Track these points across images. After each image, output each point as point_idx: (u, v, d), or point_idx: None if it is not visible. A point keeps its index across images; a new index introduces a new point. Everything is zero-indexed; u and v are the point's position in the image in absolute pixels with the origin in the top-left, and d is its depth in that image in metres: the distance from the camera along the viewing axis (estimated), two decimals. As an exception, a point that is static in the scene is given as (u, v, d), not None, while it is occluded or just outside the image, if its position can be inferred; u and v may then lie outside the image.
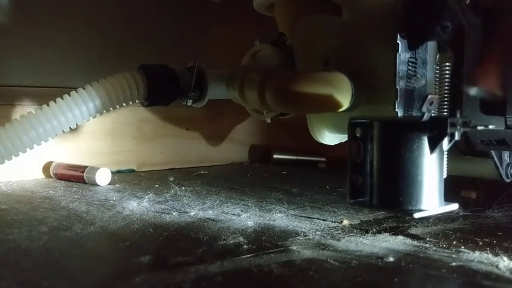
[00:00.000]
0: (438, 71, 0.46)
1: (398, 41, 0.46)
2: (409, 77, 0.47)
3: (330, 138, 0.60)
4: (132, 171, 0.82)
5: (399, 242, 0.44)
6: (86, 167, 0.70)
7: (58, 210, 0.55)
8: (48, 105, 0.59)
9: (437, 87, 0.46)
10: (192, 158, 0.89)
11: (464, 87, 0.45)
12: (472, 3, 0.44)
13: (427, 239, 0.45)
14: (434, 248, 0.43)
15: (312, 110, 0.56)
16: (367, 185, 0.43)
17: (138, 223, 0.49)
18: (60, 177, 0.73)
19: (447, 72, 0.45)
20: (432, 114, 0.40)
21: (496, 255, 0.41)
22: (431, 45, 0.46)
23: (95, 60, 0.78)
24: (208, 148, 0.91)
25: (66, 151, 0.76)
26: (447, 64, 0.45)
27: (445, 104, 0.45)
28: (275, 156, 0.94)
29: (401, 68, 0.46)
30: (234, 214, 0.54)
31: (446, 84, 0.45)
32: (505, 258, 0.40)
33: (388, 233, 0.47)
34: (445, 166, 0.43)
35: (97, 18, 0.79)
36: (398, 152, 0.40)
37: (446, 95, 0.45)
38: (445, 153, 0.43)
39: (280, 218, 0.52)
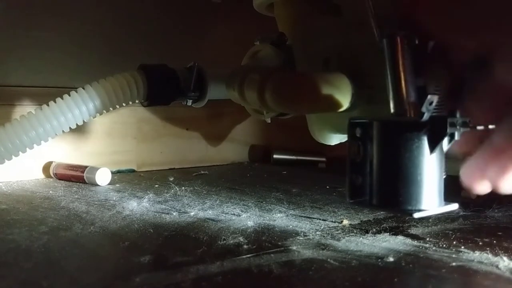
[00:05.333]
0: None
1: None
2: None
3: (330, 138, 0.60)
4: (132, 171, 0.82)
5: (399, 242, 0.44)
6: (86, 167, 0.70)
7: (58, 210, 0.55)
8: (48, 105, 0.59)
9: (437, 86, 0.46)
10: (192, 158, 0.89)
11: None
12: None
13: (427, 239, 0.45)
14: (434, 248, 0.43)
15: (312, 110, 0.56)
16: (366, 185, 0.43)
17: (138, 223, 0.49)
18: (60, 177, 0.73)
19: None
20: (432, 114, 0.40)
21: (496, 255, 0.41)
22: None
23: (95, 60, 0.78)
24: (208, 148, 0.91)
25: (66, 151, 0.76)
26: None
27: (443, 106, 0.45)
28: (275, 156, 0.94)
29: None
30: (234, 214, 0.54)
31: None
32: (505, 258, 0.40)
33: (388, 233, 0.47)
34: (445, 166, 0.43)
35: (97, 18, 0.79)
36: (397, 152, 0.40)
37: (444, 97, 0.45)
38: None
39: (280, 218, 0.52)
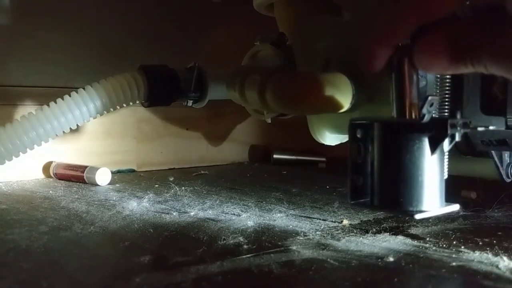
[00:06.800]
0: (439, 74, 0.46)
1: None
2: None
3: (330, 138, 0.60)
4: (132, 171, 0.82)
5: (399, 242, 0.44)
6: (86, 167, 0.70)
7: (58, 210, 0.55)
8: (48, 105, 0.59)
9: (438, 88, 0.46)
10: (192, 158, 0.89)
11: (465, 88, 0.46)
12: (472, 3, 0.44)
13: (427, 239, 0.45)
14: (434, 248, 0.43)
15: (312, 111, 0.56)
16: (368, 186, 0.43)
17: (138, 223, 0.49)
18: (60, 177, 0.73)
19: (449, 75, 0.45)
20: (433, 115, 0.40)
21: (496, 255, 0.41)
22: None
23: (95, 60, 0.78)
24: (208, 148, 0.91)
25: (66, 151, 0.76)
26: None
27: (446, 105, 0.45)
28: (275, 156, 0.94)
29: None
30: (234, 214, 0.54)
31: (447, 85, 0.45)
32: (505, 258, 0.40)
33: (388, 233, 0.47)
34: (446, 167, 0.43)
35: (97, 18, 0.79)
36: (398, 153, 0.40)
37: (447, 96, 0.45)
38: (446, 153, 0.44)
39: (280, 218, 0.52)
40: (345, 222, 0.51)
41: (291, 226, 0.49)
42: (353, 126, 0.43)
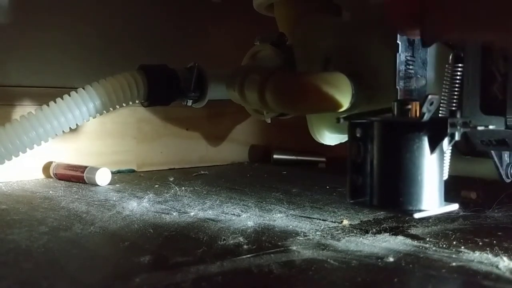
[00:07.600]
0: (449, 71, 0.46)
1: (398, 41, 0.46)
2: (409, 77, 0.47)
3: (330, 138, 0.60)
4: (132, 171, 0.82)
5: (399, 242, 0.44)
6: (86, 167, 0.70)
7: (58, 210, 0.55)
8: (48, 105, 0.59)
9: (447, 87, 0.46)
10: (192, 158, 0.89)
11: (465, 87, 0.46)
12: None
13: (427, 239, 0.45)
14: (434, 248, 0.43)
15: (312, 111, 0.56)
16: (367, 186, 0.43)
17: (138, 223, 0.49)
18: (60, 177, 0.73)
19: (459, 72, 0.45)
20: (441, 114, 0.40)
21: (496, 255, 0.41)
22: (432, 46, 0.46)
23: (95, 60, 0.78)
24: (208, 148, 0.91)
25: (66, 151, 0.76)
26: (460, 64, 0.45)
27: (455, 104, 0.45)
28: (275, 156, 0.94)
29: (402, 68, 0.46)
30: (234, 214, 0.54)
31: (457, 84, 0.45)
32: (505, 258, 0.40)
33: (388, 233, 0.47)
34: (447, 167, 0.43)
35: (97, 18, 0.79)
36: (398, 152, 0.40)
37: (456, 95, 0.45)
38: (449, 154, 0.44)
39: (280, 218, 0.52)
40: (345, 222, 0.51)
41: (291, 226, 0.49)
42: (353, 125, 0.43)
